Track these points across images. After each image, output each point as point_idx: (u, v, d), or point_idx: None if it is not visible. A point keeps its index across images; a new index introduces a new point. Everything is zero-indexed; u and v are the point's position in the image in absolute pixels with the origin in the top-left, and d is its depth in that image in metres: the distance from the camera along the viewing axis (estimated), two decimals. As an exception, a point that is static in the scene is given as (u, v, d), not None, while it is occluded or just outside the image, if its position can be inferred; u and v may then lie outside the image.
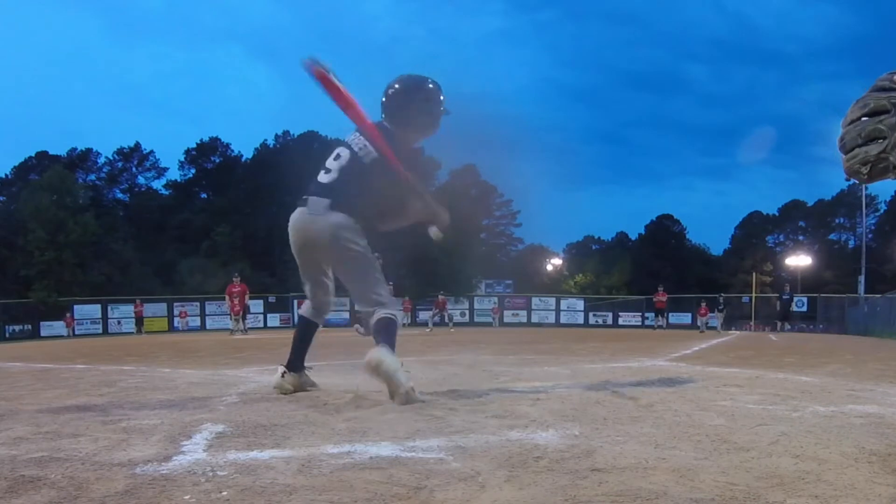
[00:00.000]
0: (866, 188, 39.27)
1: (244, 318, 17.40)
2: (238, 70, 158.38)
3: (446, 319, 22.34)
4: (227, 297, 17.36)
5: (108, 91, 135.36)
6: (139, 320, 27.82)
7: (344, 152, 2.85)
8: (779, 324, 22.08)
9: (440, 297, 24.38)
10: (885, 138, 1.32)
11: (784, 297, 22.51)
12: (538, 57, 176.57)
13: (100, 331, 30.40)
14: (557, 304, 34.59)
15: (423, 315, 34.38)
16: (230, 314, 17.48)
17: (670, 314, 30.32)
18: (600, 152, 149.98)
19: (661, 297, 24.31)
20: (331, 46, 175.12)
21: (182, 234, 47.40)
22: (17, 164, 51.55)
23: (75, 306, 31.66)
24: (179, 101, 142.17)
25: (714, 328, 22.52)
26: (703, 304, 24.19)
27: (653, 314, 26.10)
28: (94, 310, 31.82)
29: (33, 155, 51.59)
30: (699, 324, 22.96)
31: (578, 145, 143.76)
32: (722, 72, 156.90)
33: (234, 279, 17.47)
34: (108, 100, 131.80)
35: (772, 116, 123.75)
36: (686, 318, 31.49)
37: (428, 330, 18.52)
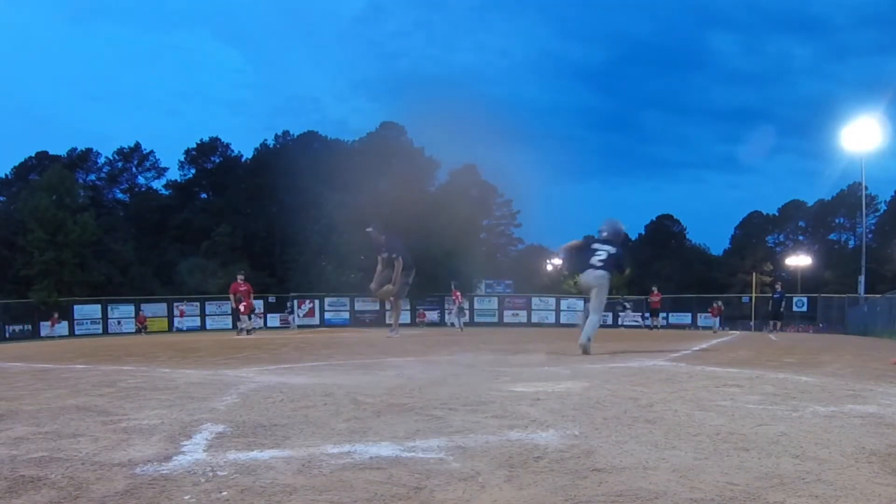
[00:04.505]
0: (866, 188, 39.27)
1: (250, 318, 17.25)
2: (209, 55, 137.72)
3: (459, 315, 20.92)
4: (231, 296, 17.14)
5: (108, 91, 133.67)
6: (143, 325, 28.43)
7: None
8: (771, 323, 22.08)
9: (455, 289, 22.50)
10: None
11: (775, 296, 22.51)
12: (537, 28, 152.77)
13: (100, 331, 30.43)
14: (557, 304, 34.55)
15: (425, 315, 34.41)
16: (239, 313, 17.15)
17: (669, 314, 30.34)
18: (605, 140, 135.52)
19: (655, 298, 24.36)
20: (303, 20, 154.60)
21: (182, 234, 47.35)
22: (17, 164, 51.67)
23: (75, 306, 31.70)
24: (179, 100, 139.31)
25: (712, 328, 22.62)
26: (716, 305, 24.26)
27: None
28: (95, 310, 31.83)
29: (33, 155, 51.64)
30: (712, 324, 23.01)
31: (580, 132, 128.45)
32: (753, 44, 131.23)
33: (239, 277, 17.31)
34: (107, 99, 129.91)
35: (802, 98, 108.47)
36: (686, 317, 31.51)
37: (460, 329, 17.92)
